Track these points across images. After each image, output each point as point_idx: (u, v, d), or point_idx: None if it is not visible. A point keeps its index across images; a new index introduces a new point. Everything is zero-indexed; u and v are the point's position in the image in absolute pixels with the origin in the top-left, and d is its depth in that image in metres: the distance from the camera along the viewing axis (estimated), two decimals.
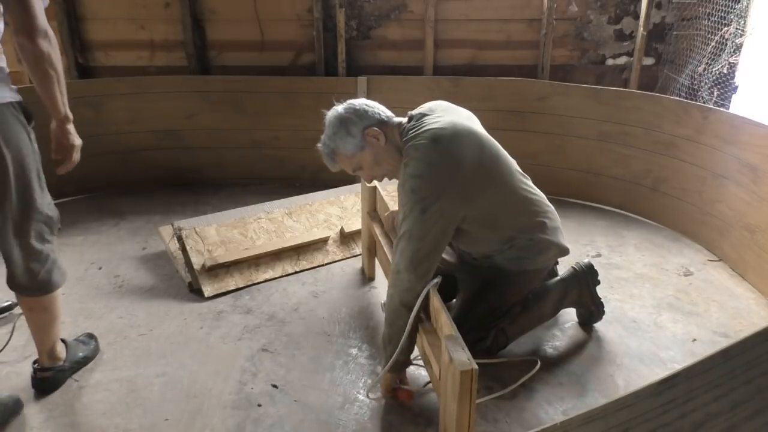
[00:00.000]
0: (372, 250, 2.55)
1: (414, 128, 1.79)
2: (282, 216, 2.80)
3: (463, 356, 1.41)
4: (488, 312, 1.97)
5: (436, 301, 1.66)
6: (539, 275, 2.03)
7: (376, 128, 1.84)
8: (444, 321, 1.57)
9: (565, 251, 2.03)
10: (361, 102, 1.90)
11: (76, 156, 1.75)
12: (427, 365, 1.82)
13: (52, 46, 1.55)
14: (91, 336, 2.12)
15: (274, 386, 1.92)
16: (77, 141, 1.74)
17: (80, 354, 2.00)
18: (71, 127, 1.70)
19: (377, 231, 2.29)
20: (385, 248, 2.14)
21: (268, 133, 3.76)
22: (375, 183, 2.39)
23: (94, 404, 1.84)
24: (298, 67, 3.84)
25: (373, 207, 2.45)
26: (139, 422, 1.77)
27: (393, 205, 2.24)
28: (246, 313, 2.36)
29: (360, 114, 1.85)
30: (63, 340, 1.98)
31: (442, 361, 1.52)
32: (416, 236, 1.67)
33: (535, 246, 1.94)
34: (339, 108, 1.89)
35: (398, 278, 1.70)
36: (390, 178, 1.96)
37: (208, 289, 2.46)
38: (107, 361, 2.05)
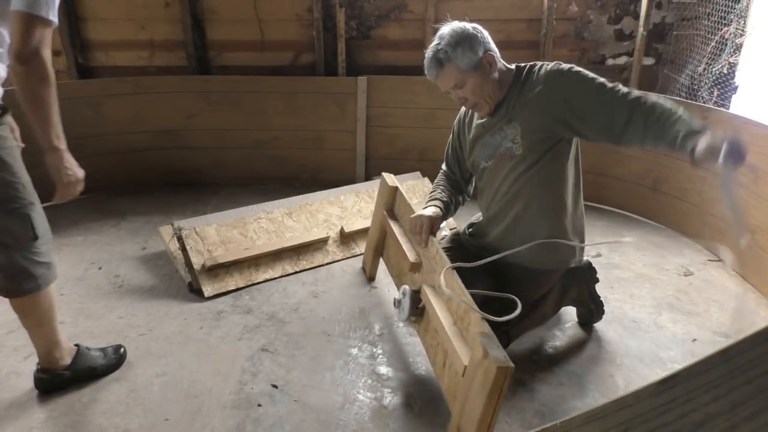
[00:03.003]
0: (378, 250, 2.52)
1: (534, 63, 1.88)
2: (282, 216, 2.80)
3: (499, 354, 1.41)
4: (495, 311, 1.95)
5: (465, 299, 1.65)
6: (554, 276, 2.02)
7: (494, 55, 1.85)
8: (475, 319, 1.57)
9: (577, 259, 2.04)
10: (483, 29, 1.90)
11: (75, 190, 1.69)
12: (436, 365, 1.82)
13: (35, 72, 1.50)
14: (117, 349, 2.05)
15: (274, 386, 1.92)
16: (77, 174, 1.67)
17: (88, 365, 1.94)
18: (61, 156, 1.61)
19: (396, 230, 2.25)
20: (404, 246, 2.11)
21: (268, 133, 3.76)
22: (397, 183, 2.38)
23: (94, 404, 1.84)
24: (298, 67, 3.84)
25: (390, 207, 2.41)
26: (139, 422, 1.77)
27: (416, 207, 2.19)
28: (246, 313, 2.36)
29: (485, 36, 1.85)
30: (77, 346, 1.95)
31: (472, 357, 1.51)
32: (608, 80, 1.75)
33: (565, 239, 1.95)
34: (465, 24, 1.87)
35: (643, 97, 1.68)
36: (473, 110, 1.96)
37: (208, 289, 2.46)
38: None
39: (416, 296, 1.92)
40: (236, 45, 3.79)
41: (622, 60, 3.74)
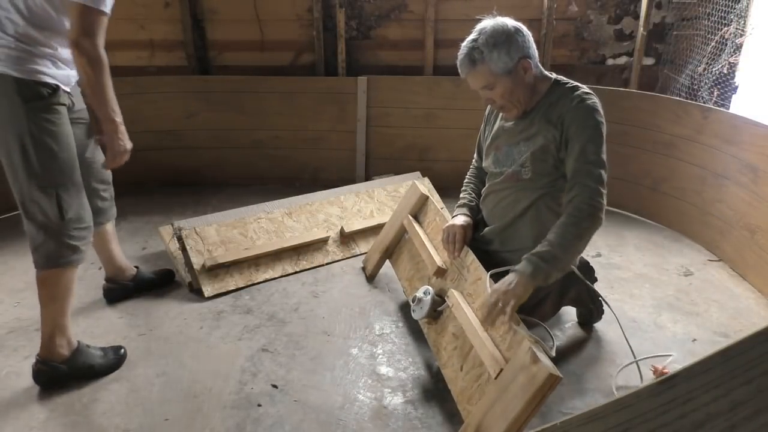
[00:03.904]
0: (389, 251, 2.50)
1: (575, 86, 1.82)
2: (282, 216, 2.80)
3: (549, 363, 1.43)
4: None
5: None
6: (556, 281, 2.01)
7: (531, 62, 1.78)
8: (520, 331, 1.57)
9: (574, 264, 2.03)
10: (526, 29, 1.81)
11: (122, 158, 2.00)
12: (448, 367, 1.82)
13: (84, 56, 1.72)
14: (117, 349, 2.06)
15: (274, 386, 1.92)
16: (126, 145, 1.97)
17: (87, 362, 1.96)
18: (116, 127, 1.91)
19: (421, 234, 2.24)
20: (431, 251, 2.11)
21: (268, 133, 3.76)
22: (426, 191, 2.36)
23: (94, 404, 1.84)
24: (298, 67, 3.84)
25: (416, 211, 2.38)
26: (139, 422, 1.77)
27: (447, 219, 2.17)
28: (246, 313, 2.36)
29: (526, 40, 1.78)
30: (78, 343, 1.97)
31: (513, 361, 1.52)
32: (605, 167, 1.73)
33: None
34: (507, 21, 1.78)
35: (598, 201, 1.70)
36: (500, 111, 1.91)
37: (208, 289, 2.46)
38: None
39: (438, 299, 1.95)
40: (236, 45, 3.79)
41: (622, 60, 3.74)
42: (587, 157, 1.70)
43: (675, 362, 2.06)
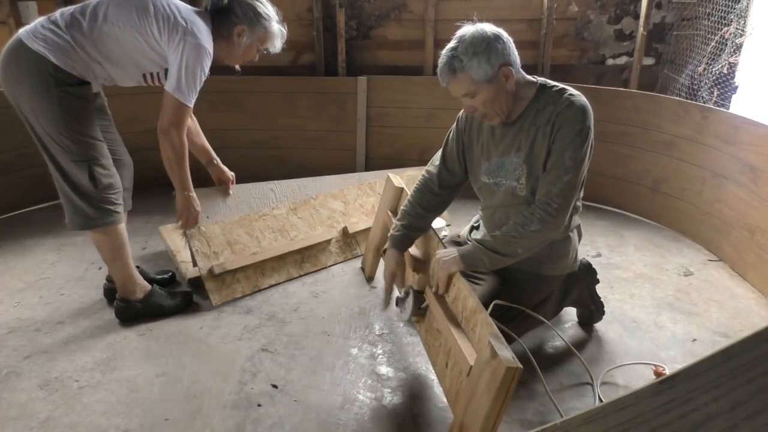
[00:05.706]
0: (380, 250, 2.51)
1: (562, 89, 1.79)
2: (287, 212, 2.78)
3: (508, 354, 1.41)
4: (497, 314, 1.95)
5: (472, 301, 1.65)
6: (554, 282, 2.00)
7: (512, 69, 1.74)
8: (482, 319, 1.57)
9: (575, 264, 2.03)
10: (507, 35, 1.76)
11: (192, 220, 2.39)
12: (437, 365, 1.82)
13: (168, 143, 2.06)
14: (186, 294, 2.39)
15: (274, 386, 1.92)
16: (194, 210, 2.35)
17: (158, 303, 2.30)
18: (187, 199, 2.29)
19: None
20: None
21: (268, 133, 3.76)
22: (402, 184, 2.35)
23: (94, 404, 1.84)
24: (298, 67, 3.84)
25: (395, 207, 2.39)
26: (139, 422, 1.77)
27: None
28: (246, 313, 2.36)
29: (506, 47, 1.73)
30: (153, 286, 2.31)
31: (479, 357, 1.51)
32: (578, 172, 1.73)
33: (564, 246, 1.94)
34: (487, 28, 1.73)
35: (554, 209, 1.71)
36: (485, 119, 1.86)
37: (215, 297, 2.40)
38: (107, 361, 2.05)
39: (420, 296, 1.93)
40: None
41: (622, 60, 3.74)
42: (563, 162, 1.71)
43: (675, 362, 2.06)
